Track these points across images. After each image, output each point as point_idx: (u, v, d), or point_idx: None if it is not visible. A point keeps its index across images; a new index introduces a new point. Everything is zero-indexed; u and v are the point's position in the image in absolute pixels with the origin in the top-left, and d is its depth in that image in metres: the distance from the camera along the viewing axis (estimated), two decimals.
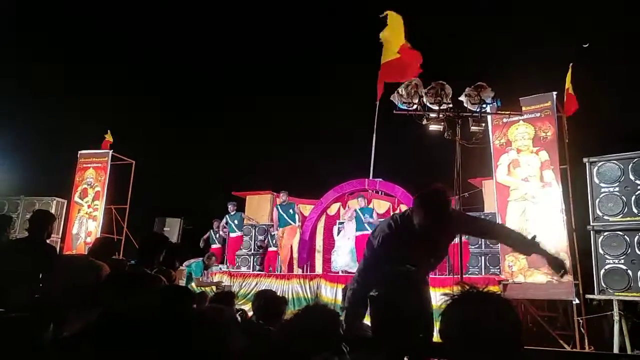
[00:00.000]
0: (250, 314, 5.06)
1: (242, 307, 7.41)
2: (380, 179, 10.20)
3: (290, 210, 10.07)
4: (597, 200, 6.27)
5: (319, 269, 10.16)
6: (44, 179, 12.33)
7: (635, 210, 6.01)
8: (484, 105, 5.95)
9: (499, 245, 7.62)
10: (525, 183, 7.42)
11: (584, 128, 7.99)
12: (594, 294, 6.13)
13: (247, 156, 14.48)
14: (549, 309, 7.43)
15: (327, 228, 10.67)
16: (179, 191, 13.99)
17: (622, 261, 5.96)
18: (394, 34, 8.61)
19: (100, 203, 11.17)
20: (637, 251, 5.89)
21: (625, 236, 5.99)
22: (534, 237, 2.99)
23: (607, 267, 6.05)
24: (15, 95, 12.70)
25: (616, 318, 5.84)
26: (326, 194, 10.65)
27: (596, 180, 6.34)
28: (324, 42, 14.32)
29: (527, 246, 3.02)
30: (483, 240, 8.52)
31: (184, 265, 8.16)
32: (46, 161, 12.86)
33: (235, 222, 11.11)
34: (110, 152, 11.47)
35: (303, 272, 9.77)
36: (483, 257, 8.45)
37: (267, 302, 3.62)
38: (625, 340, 5.79)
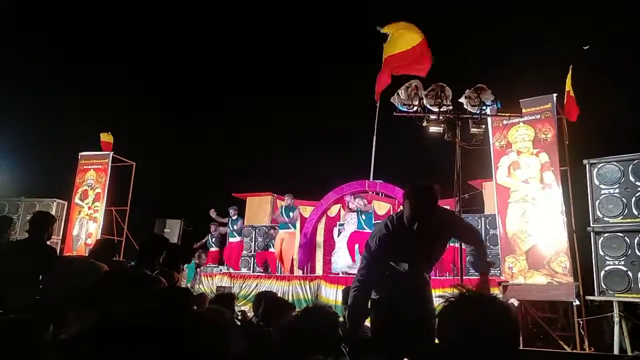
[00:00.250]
0: (250, 314, 5.07)
1: (243, 308, 7.41)
2: (381, 181, 10.21)
3: (291, 214, 10.05)
4: (597, 201, 6.27)
5: (319, 271, 10.16)
6: (44, 181, 12.35)
7: (635, 212, 6.01)
8: (484, 107, 5.96)
9: (499, 246, 7.63)
10: (525, 185, 7.43)
11: (584, 130, 7.99)
12: (594, 296, 6.13)
13: (247, 157, 14.48)
14: (550, 310, 7.42)
15: (328, 229, 10.67)
16: (179, 192, 13.99)
17: (622, 262, 5.96)
18: (407, 31, 8.44)
19: (100, 204, 11.18)
20: (637, 252, 5.89)
21: (626, 237, 5.99)
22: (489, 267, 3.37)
23: (607, 268, 6.05)
24: (15, 95, 12.71)
25: (616, 319, 5.84)
26: (326, 195, 10.66)
27: (596, 181, 6.34)
28: (324, 42, 14.32)
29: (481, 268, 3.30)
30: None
31: None
32: (47, 162, 12.87)
33: (235, 227, 11.06)
34: (111, 153, 11.48)
35: (303, 273, 9.78)
36: None
37: (268, 303, 3.62)
38: (626, 341, 5.79)
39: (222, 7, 14.84)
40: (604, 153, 6.48)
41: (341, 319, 2.64)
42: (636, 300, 5.85)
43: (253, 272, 10.04)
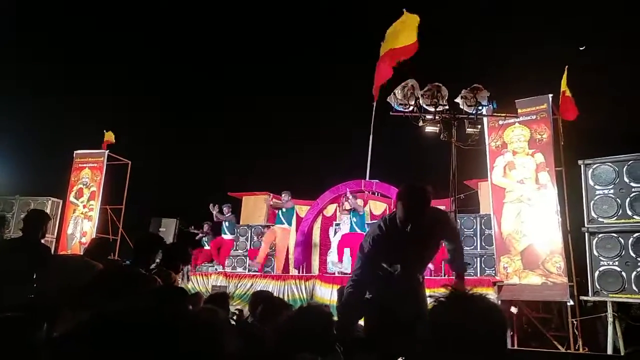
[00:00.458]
0: (247, 314, 5.06)
1: (238, 307, 7.41)
2: (377, 180, 10.22)
3: (284, 209, 10.01)
4: (592, 202, 6.30)
5: (315, 270, 10.16)
6: (39, 179, 12.29)
7: (629, 213, 6.04)
8: (480, 107, 5.97)
9: (494, 246, 7.65)
10: (520, 185, 7.45)
11: (579, 130, 8.03)
12: (589, 296, 6.16)
13: (243, 157, 14.47)
14: (544, 310, 7.46)
15: (324, 229, 10.67)
16: (174, 191, 13.96)
17: (617, 263, 5.99)
18: (408, 28, 8.42)
19: (95, 203, 11.14)
20: (631, 253, 5.92)
21: (620, 238, 6.02)
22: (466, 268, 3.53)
23: (601, 268, 6.08)
24: (12, 95, 12.66)
25: (610, 319, 5.87)
26: (322, 194, 10.66)
27: (591, 182, 6.37)
28: (323, 42, 14.31)
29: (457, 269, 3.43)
30: (478, 241, 8.55)
31: None
32: (42, 161, 12.82)
33: (227, 224, 11.02)
34: (107, 152, 11.43)
35: (299, 273, 9.77)
36: (478, 259, 8.47)
37: (265, 303, 3.62)
38: (619, 341, 5.82)
39: (222, 7, 14.82)
40: (598, 154, 6.51)
41: (336, 318, 2.65)
42: (630, 300, 5.88)
43: (248, 271, 10.03)
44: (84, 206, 11.23)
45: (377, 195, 10.42)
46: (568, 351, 6.29)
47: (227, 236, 10.96)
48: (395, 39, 8.33)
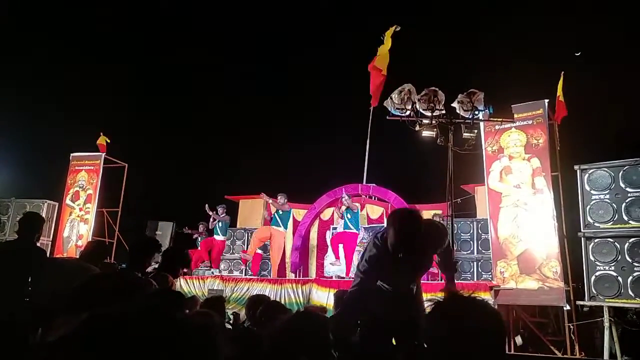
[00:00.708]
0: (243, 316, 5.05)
1: (235, 311, 7.38)
2: (374, 184, 10.23)
3: (280, 211, 9.87)
4: (588, 207, 6.33)
5: (312, 274, 10.13)
6: (35, 181, 12.24)
7: (625, 218, 6.06)
8: (476, 112, 5.98)
9: (491, 251, 7.66)
10: (517, 190, 7.47)
11: (575, 135, 8.06)
12: (585, 301, 6.17)
13: (240, 160, 14.43)
14: (540, 314, 7.47)
15: (321, 233, 10.65)
16: (171, 195, 13.92)
17: (613, 268, 6.01)
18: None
19: (92, 206, 11.11)
20: (627, 258, 5.94)
21: (616, 243, 6.05)
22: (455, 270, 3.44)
23: (597, 273, 6.09)
24: (8, 96, 12.62)
25: (606, 324, 5.88)
26: (319, 198, 10.65)
27: (587, 187, 6.39)
28: (323, 42, 14.31)
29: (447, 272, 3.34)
30: (475, 246, 8.56)
31: None
32: (38, 163, 12.77)
33: (220, 224, 10.94)
34: (103, 154, 11.41)
35: (296, 277, 9.75)
36: (475, 263, 8.48)
37: (261, 306, 3.60)
38: (616, 346, 5.83)
39: (222, 7, 14.83)
40: (594, 159, 6.54)
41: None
42: (626, 305, 5.90)
43: (245, 275, 10.00)
44: (80, 209, 11.19)
45: (374, 199, 10.43)
46: (565, 356, 6.30)
47: (219, 237, 10.87)
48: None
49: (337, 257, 9.01)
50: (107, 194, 11.42)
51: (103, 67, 13.51)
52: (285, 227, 9.95)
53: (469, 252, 8.55)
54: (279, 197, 10.05)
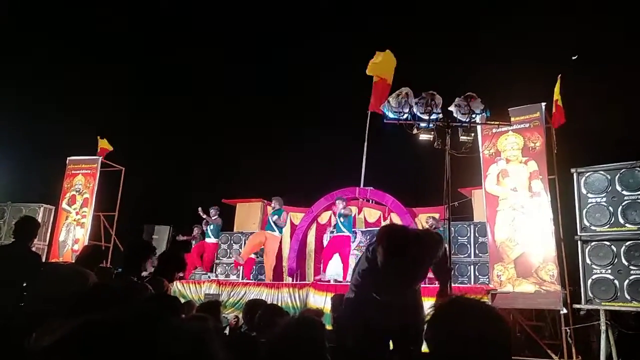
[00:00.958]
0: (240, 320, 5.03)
1: (233, 315, 7.35)
2: (371, 188, 10.23)
3: (276, 217, 9.77)
4: (585, 210, 6.33)
5: (310, 278, 10.11)
6: (31, 185, 12.19)
7: (621, 221, 6.07)
8: (474, 116, 6.00)
9: (488, 254, 7.66)
10: (514, 193, 7.48)
11: (572, 139, 8.07)
12: (581, 304, 6.17)
13: (237, 163, 14.41)
14: (537, 318, 7.47)
15: (318, 237, 10.64)
16: (168, 199, 13.87)
17: (609, 271, 6.01)
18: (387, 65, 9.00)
19: (88, 210, 11.06)
20: (624, 261, 5.94)
21: (612, 246, 6.05)
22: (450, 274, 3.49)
23: (594, 277, 6.09)
24: (5, 97, 12.58)
25: (603, 328, 5.88)
26: (317, 202, 10.65)
27: (584, 190, 6.40)
28: (324, 42, 14.30)
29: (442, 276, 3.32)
30: (472, 249, 8.57)
31: None
32: (34, 167, 12.72)
33: (212, 227, 10.84)
34: (100, 158, 11.36)
35: (293, 281, 9.72)
36: (472, 267, 8.49)
37: (259, 311, 3.59)
38: (612, 349, 5.83)
39: (221, 7, 14.82)
40: (591, 162, 6.55)
41: (329, 327, 2.63)
42: (622, 308, 5.90)
43: (242, 279, 9.97)
44: (77, 213, 11.14)
45: (372, 202, 10.43)
46: (562, 359, 6.29)
47: (210, 239, 10.82)
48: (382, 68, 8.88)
49: (324, 271, 9.03)
50: (103, 197, 11.37)
51: (103, 67, 13.48)
52: (280, 232, 9.88)
53: (466, 255, 8.56)
54: (273, 202, 10.00)
